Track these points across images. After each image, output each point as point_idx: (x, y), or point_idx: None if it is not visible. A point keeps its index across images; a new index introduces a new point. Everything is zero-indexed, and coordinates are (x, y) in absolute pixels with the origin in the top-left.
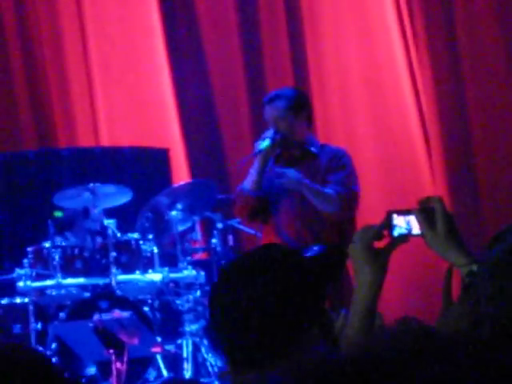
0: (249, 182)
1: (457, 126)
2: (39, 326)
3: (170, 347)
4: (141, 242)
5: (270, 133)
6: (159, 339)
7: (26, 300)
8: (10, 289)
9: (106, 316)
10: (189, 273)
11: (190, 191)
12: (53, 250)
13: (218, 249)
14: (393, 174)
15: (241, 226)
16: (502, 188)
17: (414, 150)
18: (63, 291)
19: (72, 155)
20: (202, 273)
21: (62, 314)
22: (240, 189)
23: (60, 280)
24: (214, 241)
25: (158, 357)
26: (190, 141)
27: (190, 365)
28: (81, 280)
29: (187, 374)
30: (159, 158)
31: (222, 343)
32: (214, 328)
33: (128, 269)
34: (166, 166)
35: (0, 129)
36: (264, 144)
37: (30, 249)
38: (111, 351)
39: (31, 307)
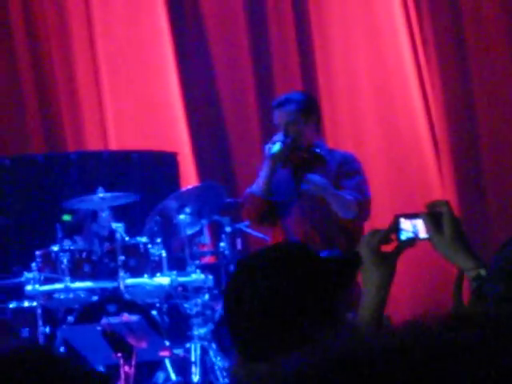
0: (258, 185)
1: (465, 129)
2: (47, 329)
3: (179, 351)
4: (149, 246)
5: (280, 136)
6: (167, 343)
7: (35, 304)
8: (18, 292)
9: (114, 320)
10: (197, 276)
11: (199, 195)
12: (61, 253)
13: (227, 252)
14: (401, 177)
15: (249, 230)
16: (510, 194)
17: (422, 153)
18: (71, 295)
19: (80, 159)
20: (211, 276)
21: (70, 318)
22: (249, 192)
23: (68, 284)
24: (222, 244)
25: (167, 361)
26: (198, 144)
27: (198, 369)
28: (89, 284)
29: (195, 378)
30: (167, 162)
31: (236, 335)
32: (228, 319)
33: (136, 272)
34: (175, 169)
35: (9, 133)
36: (276, 148)
37: (38, 252)
38: (119, 355)
39: (39, 311)
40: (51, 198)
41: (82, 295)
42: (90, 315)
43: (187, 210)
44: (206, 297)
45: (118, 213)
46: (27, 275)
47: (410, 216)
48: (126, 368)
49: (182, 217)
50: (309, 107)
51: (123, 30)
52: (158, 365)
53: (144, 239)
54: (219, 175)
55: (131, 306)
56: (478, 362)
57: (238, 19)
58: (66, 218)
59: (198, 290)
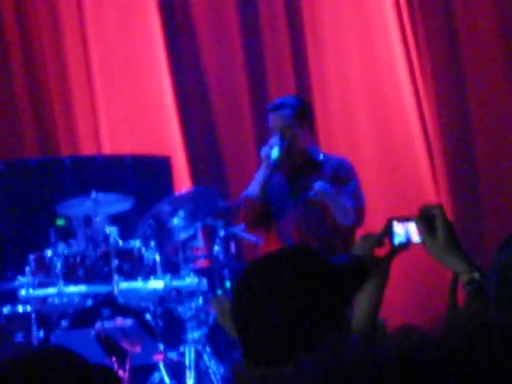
0: (255, 189)
1: (459, 131)
2: (41, 334)
3: (173, 355)
4: (143, 250)
5: (276, 140)
6: (161, 347)
7: (28, 308)
8: (11, 297)
9: (108, 324)
10: (191, 280)
11: (192, 199)
12: (55, 257)
13: (220, 256)
14: (394, 180)
15: (243, 234)
16: (504, 197)
17: (415, 156)
18: (65, 299)
19: (74, 163)
20: (204, 280)
21: (64, 322)
22: (246, 195)
23: (62, 288)
24: (216, 248)
25: (161, 364)
26: (191, 148)
27: (192, 372)
28: (83, 288)
29: (190, 382)
30: (161, 166)
31: (242, 337)
32: (235, 320)
33: (130, 276)
34: (168, 173)
35: (2, 137)
36: (276, 153)
37: (31, 257)
38: (113, 359)
39: (33, 315)
40: (45, 202)
41: (76, 299)
42: (83, 320)
43: (181, 213)
44: (200, 300)
45: (112, 217)
46: (21, 279)
47: (403, 219)
48: (121, 372)
49: (175, 221)
50: (304, 112)
51: (116, 33)
52: (152, 368)
53: (138, 243)
54: (212, 179)
55: (125, 310)
56: (476, 369)
57: (232, 26)
58: (60, 222)
59: (191, 293)
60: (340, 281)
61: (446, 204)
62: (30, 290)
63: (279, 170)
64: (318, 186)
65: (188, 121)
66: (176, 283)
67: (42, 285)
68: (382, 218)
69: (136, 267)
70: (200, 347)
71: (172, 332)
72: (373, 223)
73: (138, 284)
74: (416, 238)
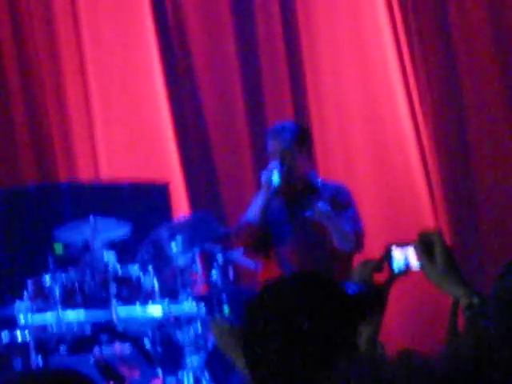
0: (254, 213)
1: (457, 159)
2: (40, 360)
3: (171, 381)
4: (141, 276)
5: (276, 165)
6: (160, 373)
7: (27, 334)
8: (10, 322)
9: (106, 350)
10: (189, 306)
11: (190, 224)
12: (53, 283)
13: (219, 282)
14: (392, 204)
15: (241, 259)
16: (504, 220)
17: (413, 180)
18: (64, 325)
19: (72, 189)
20: (203, 306)
21: (62, 348)
22: (245, 220)
23: (60, 314)
24: (214, 274)
25: None
26: (189, 174)
27: None
28: (81, 314)
29: None
30: (159, 192)
31: (250, 361)
32: (247, 349)
33: (128, 302)
34: (166, 199)
35: (0, 164)
36: (276, 178)
37: (30, 282)
38: None
39: (32, 341)
40: (43, 227)
41: (75, 325)
42: (82, 346)
43: (179, 239)
44: (199, 326)
45: (110, 243)
46: (19, 304)
47: (402, 245)
48: None
49: (173, 246)
50: (303, 137)
51: (114, 60)
52: None
53: (136, 269)
54: (210, 204)
55: (123, 337)
56: None
57: (229, 52)
58: (58, 248)
59: (190, 319)
60: (355, 310)
61: (445, 228)
62: (29, 316)
63: (278, 195)
64: (321, 205)
65: (186, 147)
66: (174, 309)
67: (40, 310)
68: (380, 243)
69: (134, 293)
70: (198, 373)
71: (170, 358)
72: (370, 248)
73: (137, 310)
74: (415, 263)
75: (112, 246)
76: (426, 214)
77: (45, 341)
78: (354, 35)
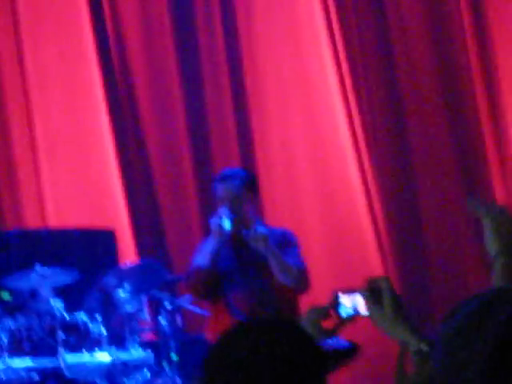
0: (205, 259)
1: (404, 202)
2: None
3: None
4: (89, 323)
5: (225, 211)
6: None
7: None
8: None
9: None
10: (137, 353)
11: (138, 271)
12: (0, 331)
13: (167, 329)
14: (339, 252)
15: (189, 306)
16: (454, 265)
17: (361, 227)
18: (11, 373)
19: (18, 237)
20: (151, 353)
21: None
22: (196, 265)
23: (8, 362)
24: (162, 321)
25: None
26: (135, 221)
27: None
28: (29, 362)
29: None
30: (106, 239)
31: None
32: None
33: (76, 350)
34: (113, 246)
35: None
36: (228, 225)
37: None
38: None
39: None
40: None
41: (23, 374)
42: None
43: (126, 286)
44: (147, 373)
45: (58, 289)
46: None
47: (349, 292)
48: None
49: (121, 293)
50: (252, 184)
51: (60, 107)
52: None
53: (83, 316)
54: (155, 251)
55: (72, 383)
56: None
57: (174, 91)
58: (5, 295)
59: (138, 366)
60: (324, 363)
61: (392, 273)
62: None
63: (226, 242)
64: (258, 228)
65: (132, 193)
66: (122, 356)
67: None
68: (326, 286)
69: (82, 340)
70: None
71: None
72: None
73: (85, 357)
74: (363, 310)
75: (59, 292)
76: (374, 258)
77: None
78: (300, 78)
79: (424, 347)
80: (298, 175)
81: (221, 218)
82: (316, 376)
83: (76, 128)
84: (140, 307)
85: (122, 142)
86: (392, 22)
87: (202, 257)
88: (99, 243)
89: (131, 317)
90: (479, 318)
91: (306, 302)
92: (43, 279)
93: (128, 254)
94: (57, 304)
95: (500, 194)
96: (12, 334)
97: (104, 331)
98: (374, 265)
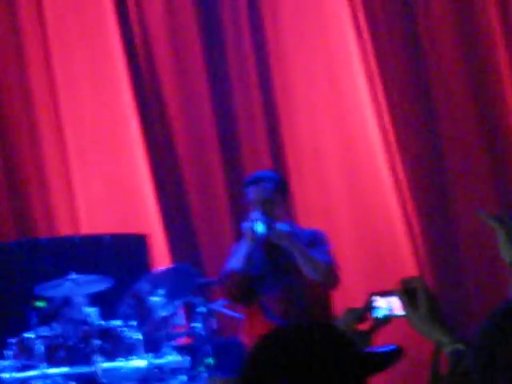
0: (239, 263)
1: (437, 204)
2: None
3: None
4: (124, 329)
5: (258, 215)
6: None
7: None
8: None
9: None
10: (173, 358)
11: (171, 276)
12: (36, 340)
13: (202, 333)
14: (373, 254)
15: (223, 309)
16: (487, 264)
17: (393, 228)
18: (48, 381)
19: (51, 244)
20: (187, 357)
21: None
22: (230, 269)
23: (44, 370)
24: (196, 325)
25: None
26: (168, 225)
27: None
28: (65, 369)
29: None
30: (139, 245)
31: None
32: None
33: (112, 356)
34: (146, 252)
35: None
36: (261, 228)
37: (12, 340)
38: None
39: None
40: (24, 284)
41: (59, 381)
42: None
43: (160, 291)
44: (184, 378)
45: (92, 297)
46: (2, 363)
47: (385, 293)
48: None
49: (155, 298)
50: (283, 186)
51: (90, 114)
52: None
53: (118, 322)
54: (188, 255)
55: None
56: None
57: (204, 100)
58: (40, 304)
59: (174, 371)
60: (367, 368)
61: (427, 273)
62: (13, 374)
63: (259, 245)
64: (280, 226)
65: (164, 198)
66: (158, 361)
67: (24, 368)
68: (360, 290)
69: (117, 347)
70: None
71: None
72: (352, 296)
73: (120, 363)
74: (398, 311)
75: (93, 299)
76: (408, 259)
77: None
78: (328, 76)
79: (460, 347)
80: (328, 177)
81: (253, 221)
82: (356, 379)
83: (106, 134)
84: (174, 312)
85: (152, 147)
86: (421, 22)
87: (236, 260)
88: (132, 249)
89: (166, 322)
90: None
91: (340, 305)
92: (77, 287)
93: (161, 258)
94: (91, 311)
95: None
96: (48, 342)
97: (139, 337)
98: (408, 265)
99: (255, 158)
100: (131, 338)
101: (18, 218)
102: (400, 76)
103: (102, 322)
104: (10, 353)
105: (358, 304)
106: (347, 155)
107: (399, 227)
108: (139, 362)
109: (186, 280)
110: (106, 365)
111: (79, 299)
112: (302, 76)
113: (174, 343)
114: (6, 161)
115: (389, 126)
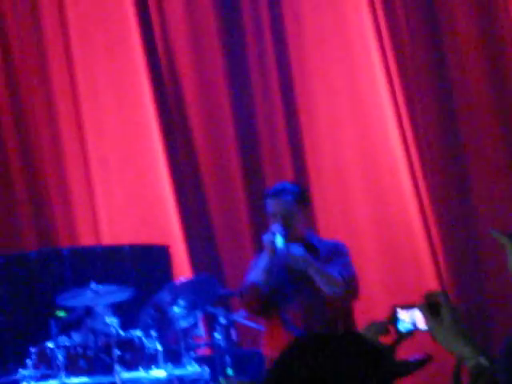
0: (259, 275)
1: (457, 214)
2: None
3: None
4: (144, 340)
5: (278, 228)
6: None
7: None
8: None
9: None
10: (193, 369)
11: (192, 287)
12: (56, 349)
13: (222, 344)
14: (395, 268)
15: (243, 321)
16: (508, 277)
17: (415, 243)
18: None
19: (73, 254)
20: (207, 368)
21: None
22: (251, 282)
23: (64, 380)
24: (217, 336)
25: None
26: (189, 237)
27: None
28: (85, 379)
29: None
30: (160, 255)
31: None
32: None
33: (132, 366)
34: (167, 262)
35: (1, 230)
36: (280, 241)
37: (33, 349)
38: None
39: None
40: (45, 294)
41: None
42: None
43: (181, 302)
44: None
45: (112, 307)
46: (23, 372)
47: (408, 307)
48: None
49: (176, 309)
50: (303, 197)
51: (113, 126)
52: None
53: (139, 333)
54: (209, 267)
55: None
56: None
57: (225, 110)
58: (61, 313)
59: (194, 382)
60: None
61: (449, 286)
62: (32, 383)
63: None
64: (292, 250)
65: (185, 209)
66: (178, 372)
67: (44, 377)
68: (383, 306)
69: (137, 357)
70: None
71: None
72: (375, 310)
73: (140, 374)
74: (421, 325)
75: (114, 309)
76: (429, 272)
77: None
78: (349, 80)
79: (483, 362)
80: (348, 182)
81: (273, 234)
82: None
83: (128, 145)
84: (195, 323)
85: (174, 158)
86: (444, 25)
87: (256, 273)
88: (153, 259)
89: (186, 332)
90: None
91: (362, 318)
92: (98, 297)
93: (182, 269)
94: (112, 321)
95: None
96: (68, 352)
97: (159, 347)
98: (429, 278)
99: (276, 169)
100: (151, 348)
101: (40, 229)
102: (421, 76)
103: (123, 333)
104: (30, 362)
105: (381, 317)
106: (366, 158)
107: (418, 229)
108: (159, 373)
109: (207, 291)
110: (126, 375)
111: (100, 309)
112: (322, 78)
113: (194, 354)
114: (29, 172)
115: (407, 126)
